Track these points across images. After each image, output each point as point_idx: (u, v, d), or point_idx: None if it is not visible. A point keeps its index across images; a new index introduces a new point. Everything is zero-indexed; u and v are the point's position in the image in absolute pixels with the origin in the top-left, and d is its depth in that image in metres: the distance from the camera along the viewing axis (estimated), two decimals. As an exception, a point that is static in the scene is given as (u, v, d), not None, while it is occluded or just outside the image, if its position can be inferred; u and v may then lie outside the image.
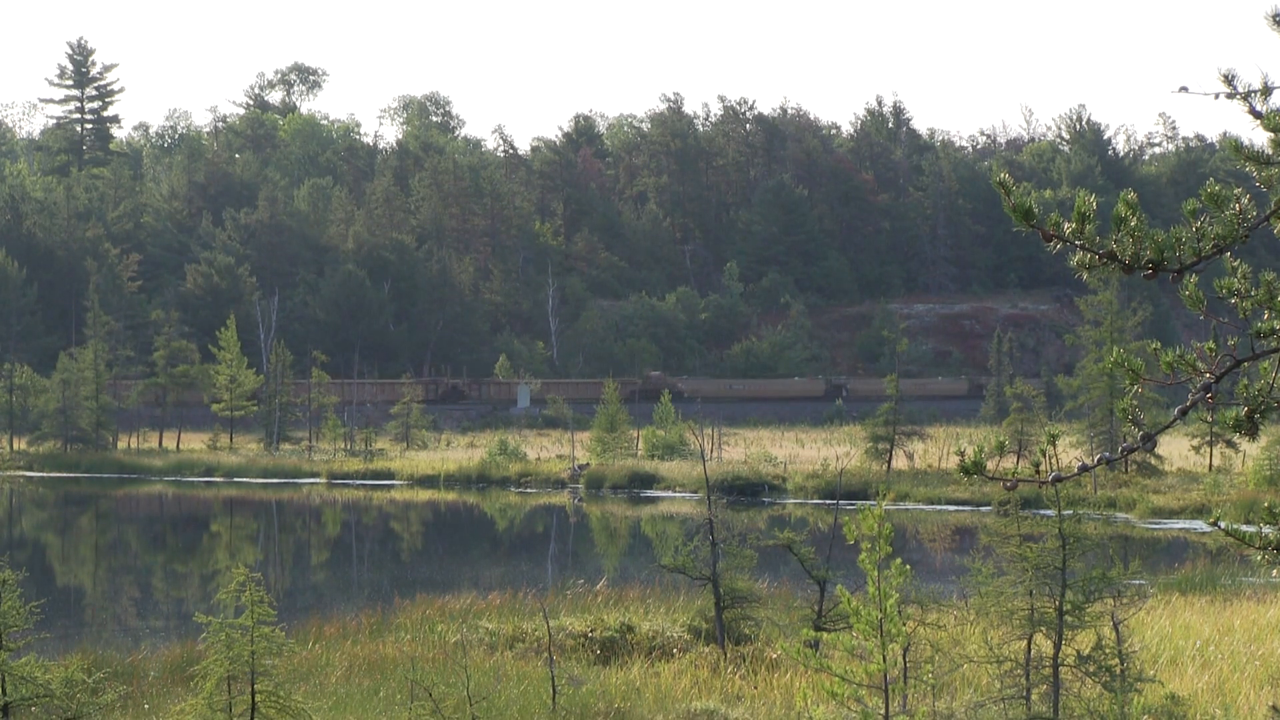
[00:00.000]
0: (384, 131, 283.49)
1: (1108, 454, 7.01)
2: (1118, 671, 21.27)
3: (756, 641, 30.18)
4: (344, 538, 70.92)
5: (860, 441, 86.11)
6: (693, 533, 33.51)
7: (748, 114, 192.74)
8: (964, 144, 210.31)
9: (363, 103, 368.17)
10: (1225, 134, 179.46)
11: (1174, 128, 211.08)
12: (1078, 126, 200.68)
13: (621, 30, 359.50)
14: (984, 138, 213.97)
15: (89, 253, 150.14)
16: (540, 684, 26.46)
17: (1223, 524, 7.17)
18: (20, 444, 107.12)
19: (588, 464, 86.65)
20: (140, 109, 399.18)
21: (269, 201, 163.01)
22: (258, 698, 17.43)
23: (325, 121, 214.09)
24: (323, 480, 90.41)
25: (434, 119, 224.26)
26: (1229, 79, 6.63)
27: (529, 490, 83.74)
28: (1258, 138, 6.78)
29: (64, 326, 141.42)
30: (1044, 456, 7.03)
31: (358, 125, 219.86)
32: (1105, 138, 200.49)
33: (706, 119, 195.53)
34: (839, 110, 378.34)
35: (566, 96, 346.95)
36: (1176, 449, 79.27)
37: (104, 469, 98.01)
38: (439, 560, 59.43)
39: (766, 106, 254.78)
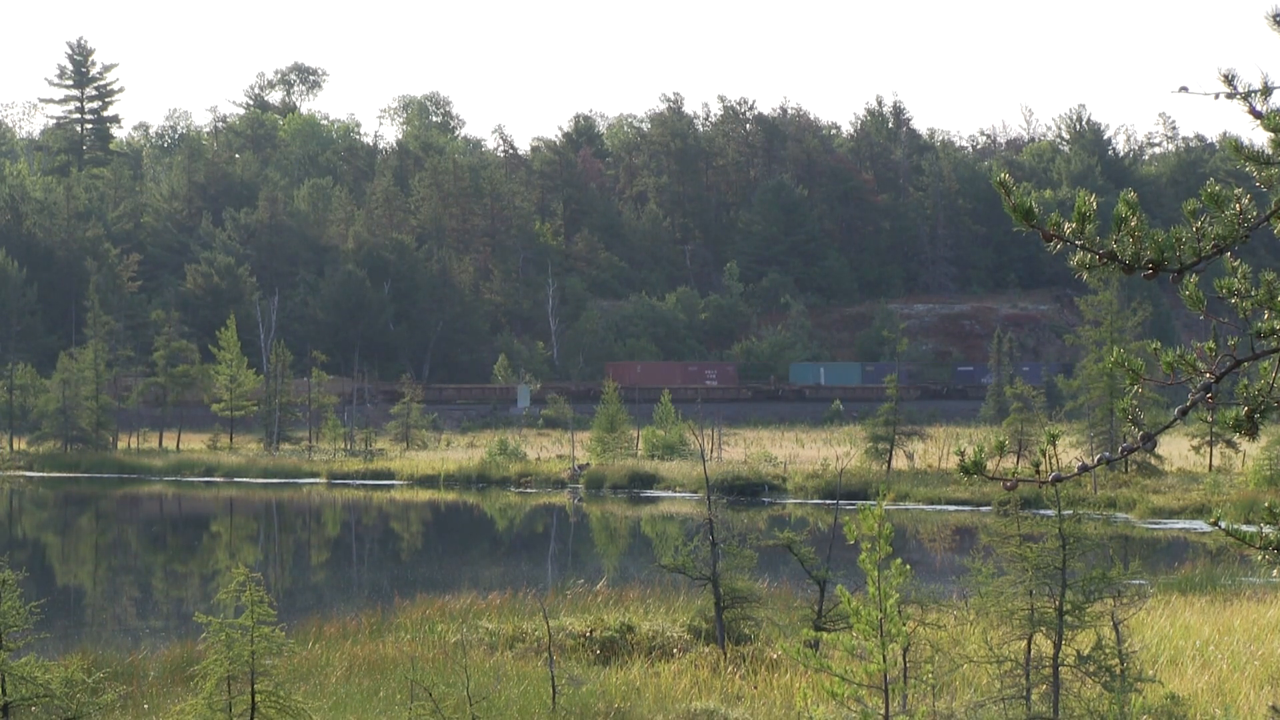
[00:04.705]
0: (384, 131, 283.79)
1: (1108, 454, 7.01)
2: (1118, 671, 21.26)
3: (756, 641, 30.15)
4: (344, 538, 70.91)
5: (860, 441, 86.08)
6: (693, 533, 33.53)
7: (748, 114, 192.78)
8: (964, 144, 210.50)
9: (363, 103, 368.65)
10: (1225, 134, 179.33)
11: (1174, 128, 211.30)
12: (1078, 126, 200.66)
13: (621, 30, 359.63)
14: (984, 138, 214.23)
15: (89, 253, 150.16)
16: (540, 684, 26.45)
17: (1223, 524, 7.16)
18: (20, 444, 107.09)
19: (588, 464, 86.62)
20: (140, 109, 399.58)
21: (269, 201, 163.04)
22: (258, 698, 17.42)
23: (325, 121, 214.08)
24: (323, 480, 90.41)
25: (434, 119, 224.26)
26: (1229, 79, 6.62)
27: (529, 490, 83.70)
28: (1258, 138, 6.78)
29: (64, 326, 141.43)
30: (1044, 456, 7.03)
31: (358, 125, 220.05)
32: (1105, 138, 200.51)
33: (706, 119, 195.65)
34: (839, 110, 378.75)
35: (566, 96, 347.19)
36: (1176, 449, 79.23)
37: (104, 469, 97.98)
38: (439, 560, 59.39)
39: (766, 106, 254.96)
